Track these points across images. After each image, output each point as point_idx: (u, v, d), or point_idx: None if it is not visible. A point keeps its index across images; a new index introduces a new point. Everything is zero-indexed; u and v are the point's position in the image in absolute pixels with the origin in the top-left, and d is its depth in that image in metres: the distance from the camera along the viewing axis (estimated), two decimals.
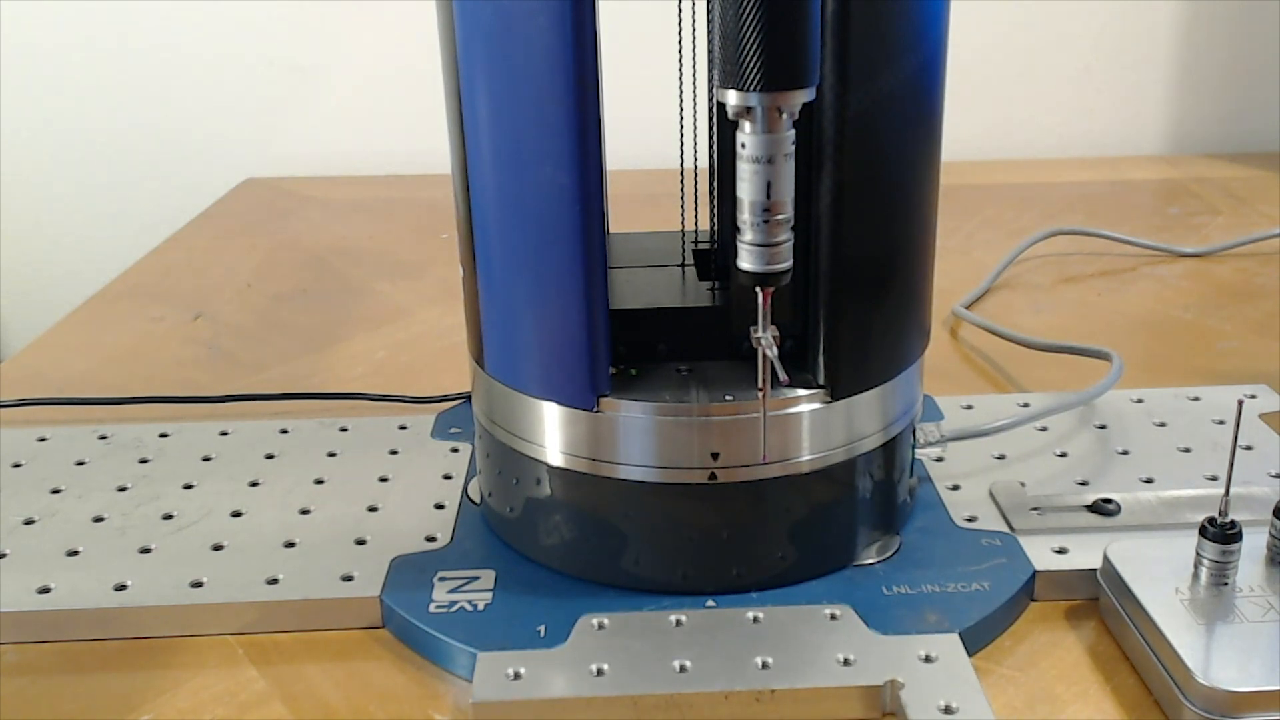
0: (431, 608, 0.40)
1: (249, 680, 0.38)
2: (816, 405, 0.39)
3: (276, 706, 0.37)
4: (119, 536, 0.44)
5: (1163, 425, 0.51)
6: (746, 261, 0.34)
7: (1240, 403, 0.36)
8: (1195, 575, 0.38)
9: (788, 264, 0.34)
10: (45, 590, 0.41)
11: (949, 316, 0.65)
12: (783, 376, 0.35)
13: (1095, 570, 0.40)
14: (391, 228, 0.85)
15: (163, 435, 0.52)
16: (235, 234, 0.86)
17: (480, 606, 0.40)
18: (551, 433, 0.40)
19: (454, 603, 0.40)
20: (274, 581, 0.41)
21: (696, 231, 0.47)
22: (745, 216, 0.34)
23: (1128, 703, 0.36)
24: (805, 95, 0.33)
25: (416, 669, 0.39)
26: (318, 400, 0.56)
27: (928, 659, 0.37)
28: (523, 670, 0.37)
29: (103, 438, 0.52)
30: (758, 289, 0.34)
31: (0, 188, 1.02)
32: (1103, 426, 0.51)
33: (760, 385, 0.36)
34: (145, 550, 0.43)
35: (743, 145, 0.33)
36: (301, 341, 0.66)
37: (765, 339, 0.35)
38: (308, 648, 0.40)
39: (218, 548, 0.43)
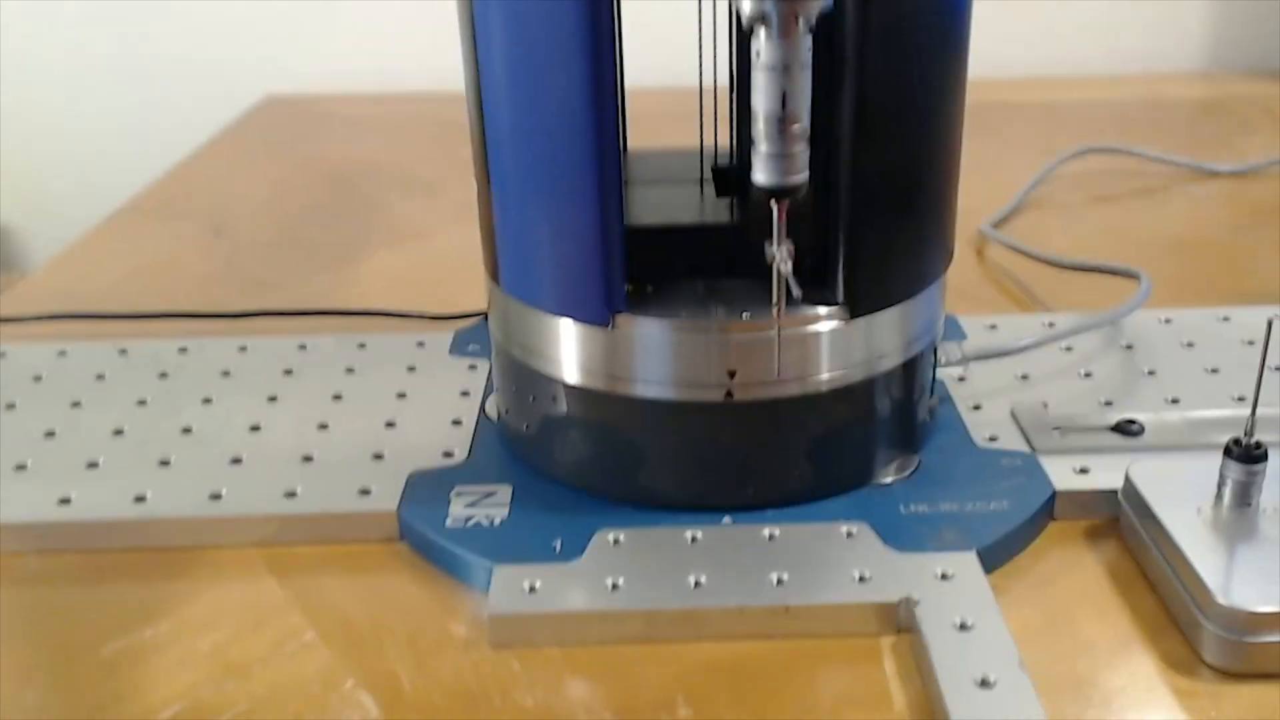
0: (448, 522, 0.40)
1: (268, 590, 0.38)
2: (835, 323, 0.39)
3: (295, 616, 0.37)
4: (138, 449, 0.44)
5: (1191, 346, 0.50)
6: (761, 173, 0.33)
7: (1270, 322, 0.35)
8: (1218, 496, 0.37)
9: (803, 176, 0.33)
10: (66, 501, 0.41)
11: (975, 236, 0.64)
12: (796, 292, 0.34)
13: (1116, 490, 0.40)
14: (413, 145, 0.85)
15: (182, 350, 0.52)
16: (256, 151, 0.85)
17: (496, 521, 0.40)
18: (567, 350, 0.40)
19: (470, 517, 0.40)
20: (292, 495, 0.41)
21: (716, 149, 0.46)
22: (760, 127, 0.33)
23: (1146, 623, 0.36)
24: (822, 1, 0.32)
25: (433, 582, 0.39)
26: (336, 317, 0.56)
27: (944, 576, 0.36)
28: (538, 584, 0.37)
29: (122, 352, 0.52)
30: (772, 201, 0.34)
31: (23, 105, 1.02)
32: (1129, 347, 0.50)
33: (775, 301, 0.35)
34: (164, 463, 0.43)
35: (758, 53, 0.32)
36: (321, 259, 0.66)
37: (779, 254, 0.34)
38: (326, 560, 0.40)
39: (236, 461, 0.43)
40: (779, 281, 0.35)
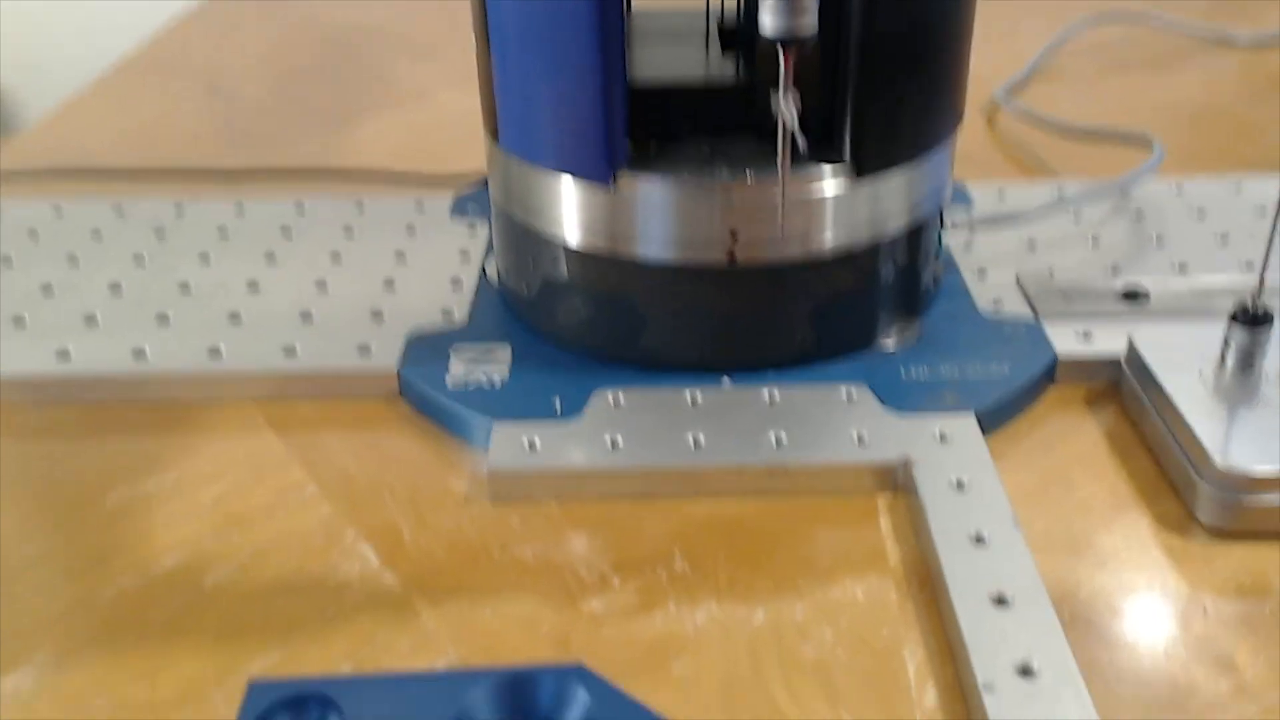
0: (448, 381, 0.40)
1: (269, 445, 0.39)
2: (841, 183, 0.38)
3: (296, 470, 0.37)
4: (136, 306, 0.44)
5: (1201, 214, 0.49)
6: (768, 18, 0.32)
7: None
8: (1221, 361, 0.37)
9: (811, 22, 0.32)
10: (64, 355, 0.41)
11: (987, 103, 0.63)
12: (802, 144, 0.33)
13: (1119, 356, 0.40)
14: (412, 5, 0.83)
15: (178, 209, 0.51)
16: (252, 9, 0.83)
17: (496, 381, 0.40)
18: (568, 210, 0.39)
19: (470, 376, 0.40)
20: (291, 352, 0.41)
21: (723, 8, 0.45)
22: None
23: (1142, 485, 0.36)
24: None
25: (433, 440, 0.39)
26: (334, 177, 0.55)
27: (942, 438, 0.37)
28: (538, 441, 0.37)
29: (118, 210, 0.51)
30: (779, 49, 0.33)
31: None
32: (1139, 215, 0.49)
33: (779, 155, 0.34)
34: (163, 319, 0.43)
35: None
36: (318, 119, 0.64)
37: (785, 105, 0.33)
38: (325, 417, 0.40)
39: (234, 318, 0.43)
40: (784, 134, 0.34)
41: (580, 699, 0.25)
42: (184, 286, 0.45)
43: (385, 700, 0.25)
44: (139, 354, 0.41)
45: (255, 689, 0.25)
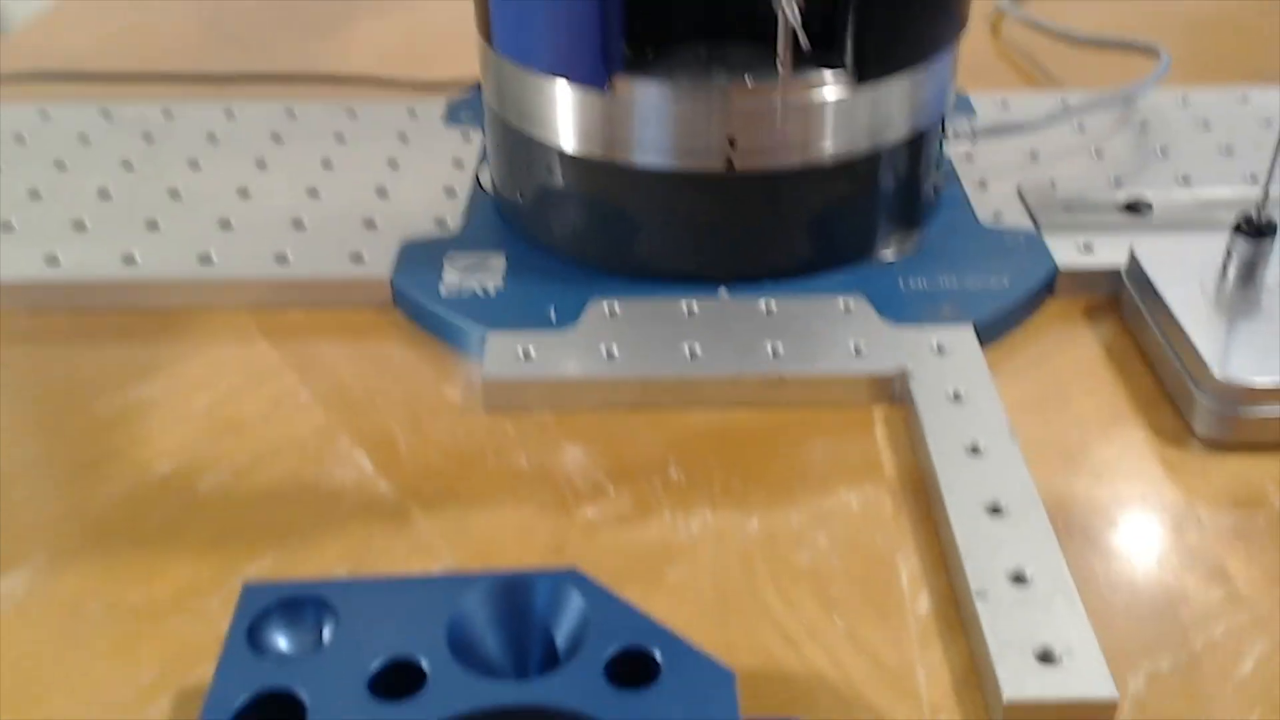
0: (442, 289, 0.39)
1: (262, 352, 0.38)
2: (841, 89, 0.37)
3: (289, 377, 0.37)
4: (125, 211, 0.43)
5: (1206, 126, 0.49)
6: None
7: None
8: (1223, 273, 0.37)
9: None
10: (53, 261, 0.41)
11: (992, 11, 0.62)
12: (804, 43, 0.33)
13: (1120, 268, 0.39)
14: None
15: (166, 113, 0.50)
16: None
17: (490, 290, 0.39)
18: (564, 116, 0.38)
19: (464, 285, 0.40)
20: (283, 259, 0.41)
21: None
22: None
23: (1140, 398, 0.36)
24: None
25: (427, 348, 0.39)
26: (325, 83, 0.54)
27: (939, 349, 0.36)
28: (533, 350, 0.36)
29: (105, 114, 0.50)
30: None
31: None
32: (1143, 126, 0.49)
33: (780, 54, 0.34)
34: (152, 225, 0.43)
35: None
36: (308, 24, 0.63)
37: (787, 2, 0.32)
38: (318, 325, 0.40)
39: (225, 225, 0.43)
40: (785, 31, 0.33)
41: (574, 603, 0.25)
42: (173, 192, 0.45)
43: (380, 603, 0.25)
44: (129, 260, 0.41)
45: (249, 592, 0.25)
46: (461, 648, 0.24)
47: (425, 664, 0.23)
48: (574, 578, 0.25)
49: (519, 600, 0.25)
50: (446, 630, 0.24)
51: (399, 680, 0.23)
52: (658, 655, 0.23)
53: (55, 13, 0.65)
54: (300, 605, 0.25)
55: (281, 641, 0.25)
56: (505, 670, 0.25)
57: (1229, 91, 0.51)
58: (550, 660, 0.24)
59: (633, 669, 0.23)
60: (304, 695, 0.23)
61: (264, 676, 0.23)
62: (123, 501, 0.32)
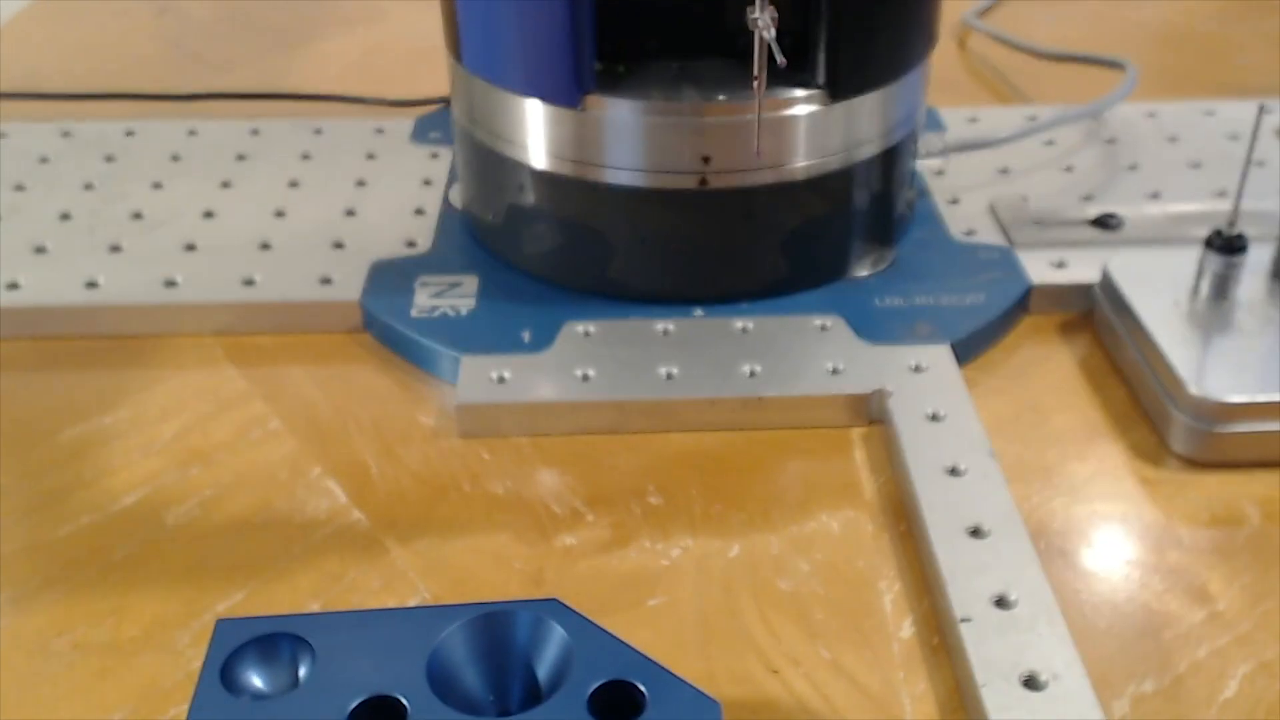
0: (413, 312, 0.39)
1: (229, 379, 0.38)
2: (814, 107, 0.37)
3: (258, 404, 0.36)
4: (87, 234, 0.43)
5: (1174, 140, 0.49)
6: None
7: (1261, 107, 0.34)
8: (1195, 288, 0.37)
9: None
10: (14, 286, 0.40)
11: (958, 25, 0.62)
12: (780, 60, 0.32)
13: (1093, 284, 0.39)
14: None
15: (129, 133, 0.49)
16: None
17: (463, 312, 0.39)
18: (535, 133, 0.38)
19: (436, 308, 0.39)
20: (250, 283, 0.40)
21: None
22: None
23: (1116, 415, 0.36)
24: None
25: (399, 372, 0.38)
26: (290, 101, 0.54)
27: (917, 369, 0.36)
28: (507, 374, 0.36)
29: (66, 134, 0.49)
30: None
31: None
32: (1112, 141, 0.49)
33: (755, 71, 0.33)
34: (116, 249, 0.42)
35: None
36: (271, 40, 0.62)
37: (763, 19, 0.32)
38: (287, 350, 0.39)
39: (190, 248, 0.42)
40: (760, 49, 0.33)
41: (556, 635, 0.24)
42: (137, 214, 0.44)
43: (357, 638, 0.24)
44: (92, 284, 0.40)
45: (222, 627, 0.24)
46: (441, 683, 0.23)
47: (405, 701, 0.23)
48: (555, 608, 0.24)
49: (499, 633, 0.24)
50: (426, 665, 0.23)
51: (378, 718, 0.23)
52: (642, 687, 0.23)
53: (10, 29, 0.64)
54: (275, 641, 0.24)
55: (256, 679, 0.24)
56: (486, 706, 0.24)
57: (1195, 105, 0.51)
58: (533, 694, 0.24)
59: (618, 701, 0.23)
60: None
61: (239, 715, 0.23)
62: (88, 535, 0.32)
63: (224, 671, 0.24)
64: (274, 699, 0.23)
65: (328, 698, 0.23)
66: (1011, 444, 0.34)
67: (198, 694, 0.23)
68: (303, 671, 0.24)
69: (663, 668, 0.23)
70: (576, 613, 0.24)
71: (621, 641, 0.24)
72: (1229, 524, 0.32)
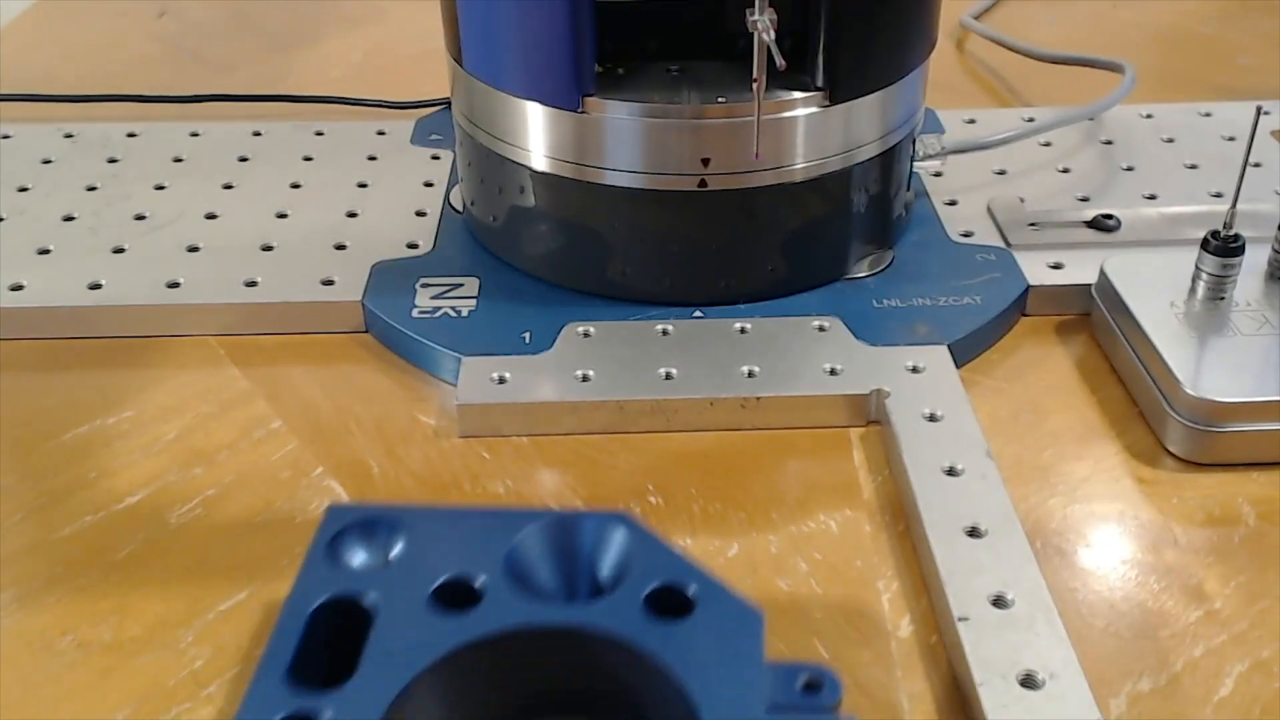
0: (415, 313, 0.39)
1: (232, 379, 0.38)
2: (814, 109, 0.37)
3: (260, 404, 0.37)
4: (91, 236, 0.43)
5: (1171, 141, 0.49)
6: None
7: (1259, 109, 0.34)
8: (1192, 289, 0.37)
9: None
10: (18, 287, 0.40)
11: (956, 27, 0.62)
12: (780, 62, 0.33)
13: (1090, 285, 0.40)
14: None
15: (131, 135, 0.50)
16: None
17: (464, 313, 0.39)
18: (535, 135, 0.38)
19: (437, 308, 0.39)
20: (252, 284, 0.40)
21: None
22: None
23: (1113, 414, 0.36)
24: None
25: (400, 373, 0.38)
26: (291, 103, 0.54)
27: (915, 369, 0.36)
28: (508, 375, 0.36)
29: (68, 136, 0.49)
30: None
31: None
32: (1109, 142, 0.49)
33: (755, 74, 0.34)
34: (119, 250, 0.42)
35: None
36: (272, 42, 0.62)
37: (762, 21, 0.32)
38: (290, 350, 0.39)
39: (193, 249, 0.42)
40: (760, 51, 0.33)
41: (619, 541, 0.26)
42: (140, 216, 0.44)
43: (446, 529, 0.27)
44: (95, 286, 0.40)
45: (332, 512, 0.27)
46: (516, 573, 0.26)
47: (482, 583, 0.25)
48: (622, 519, 0.27)
49: (570, 536, 0.27)
50: (504, 556, 0.26)
51: (458, 597, 0.25)
52: (692, 592, 0.25)
53: (10, 31, 0.64)
54: (375, 525, 0.27)
55: (357, 556, 0.27)
56: (554, 597, 0.26)
57: (1192, 106, 0.52)
58: (595, 592, 0.26)
59: (670, 603, 0.25)
60: (372, 602, 0.25)
61: (338, 584, 0.25)
62: (91, 534, 0.32)
63: (329, 547, 0.26)
64: (369, 573, 0.26)
65: (416, 575, 0.25)
66: (1009, 444, 0.35)
67: (305, 566, 0.26)
68: (396, 552, 0.26)
69: (713, 578, 0.25)
70: (640, 525, 0.27)
71: (677, 553, 0.26)
72: (1225, 524, 0.32)
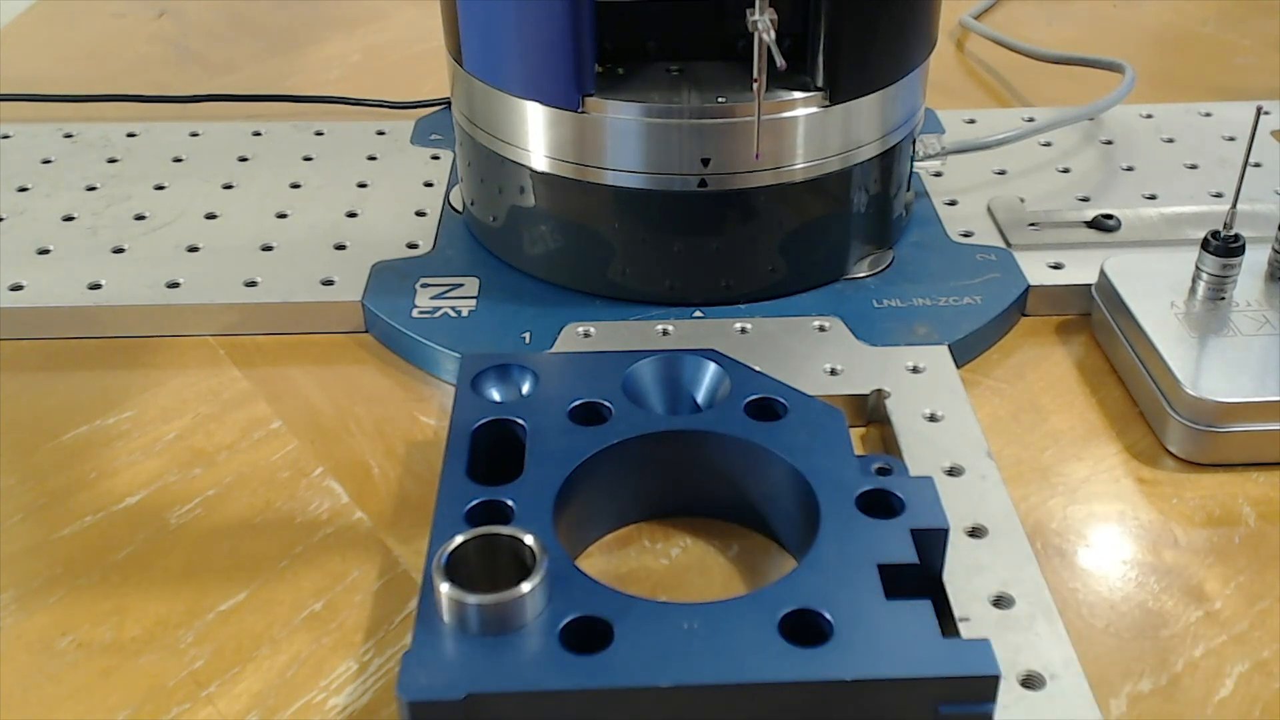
0: (415, 313, 0.39)
1: (232, 380, 0.38)
2: (813, 109, 0.37)
3: (261, 405, 0.37)
4: (91, 236, 0.43)
5: (1171, 141, 0.49)
6: None
7: (1259, 109, 0.34)
8: (1192, 289, 0.37)
9: None
10: (18, 288, 0.40)
11: (955, 28, 0.62)
12: (780, 62, 0.33)
13: (1090, 285, 0.40)
14: None
15: (130, 135, 0.50)
16: None
17: (464, 313, 0.39)
18: (535, 135, 0.38)
19: (438, 308, 0.39)
20: (253, 284, 0.40)
21: None
22: None
23: (1113, 414, 0.36)
24: None
25: (401, 373, 0.38)
26: (291, 103, 0.54)
27: (915, 370, 0.36)
28: None
29: (68, 136, 0.49)
30: None
31: None
32: (1109, 142, 0.49)
33: (755, 74, 0.34)
34: (119, 250, 0.42)
35: None
36: (272, 42, 0.62)
37: (763, 21, 0.32)
38: (290, 350, 0.39)
39: (193, 249, 0.42)
40: (760, 51, 0.33)
41: (713, 370, 0.32)
42: (140, 216, 0.44)
43: (570, 368, 0.32)
44: (95, 286, 0.40)
45: (467, 360, 0.33)
46: (632, 397, 0.31)
47: (608, 405, 0.31)
48: (713, 354, 0.33)
49: (673, 368, 0.33)
50: (620, 385, 0.31)
51: (589, 417, 0.31)
52: (784, 401, 0.31)
53: (9, 32, 0.64)
54: (509, 369, 0.32)
55: (495, 393, 0.32)
56: (665, 414, 0.32)
57: (1192, 107, 0.52)
58: (695, 413, 0.32)
59: (765, 413, 0.31)
60: (524, 422, 0.30)
61: (489, 411, 0.31)
62: (91, 535, 0.32)
63: (473, 384, 0.32)
64: (513, 403, 0.32)
65: (553, 401, 0.31)
66: (1009, 444, 0.35)
67: (457, 400, 0.31)
68: (525, 390, 0.32)
69: (798, 390, 0.31)
70: (729, 357, 0.33)
71: (767, 375, 0.32)
72: (1225, 524, 0.32)
